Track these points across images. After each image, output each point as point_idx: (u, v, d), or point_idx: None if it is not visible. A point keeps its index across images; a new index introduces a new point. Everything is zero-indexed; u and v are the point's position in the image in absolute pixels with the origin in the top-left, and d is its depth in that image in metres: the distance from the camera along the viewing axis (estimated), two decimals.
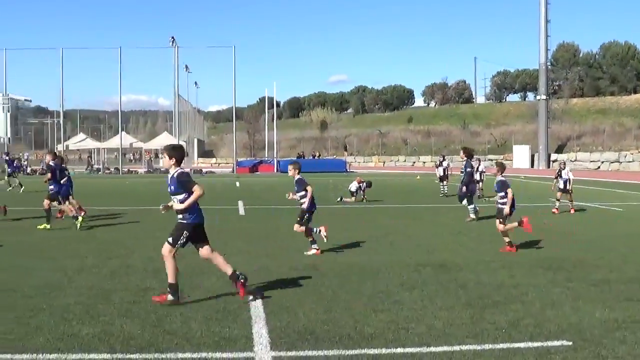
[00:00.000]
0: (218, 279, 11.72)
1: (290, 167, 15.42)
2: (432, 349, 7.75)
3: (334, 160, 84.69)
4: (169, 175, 10.22)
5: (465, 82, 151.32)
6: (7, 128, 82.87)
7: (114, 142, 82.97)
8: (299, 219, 15.08)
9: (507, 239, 15.51)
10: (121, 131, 78.79)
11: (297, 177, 15.17)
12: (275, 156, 77.87)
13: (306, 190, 14.98)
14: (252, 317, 9.13)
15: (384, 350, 7.67)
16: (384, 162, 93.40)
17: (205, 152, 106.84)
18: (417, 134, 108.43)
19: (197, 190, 9.96)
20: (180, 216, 10.16)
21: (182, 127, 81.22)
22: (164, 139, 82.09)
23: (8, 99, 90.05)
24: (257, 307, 9.70)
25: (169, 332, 8.37)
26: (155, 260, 13.77)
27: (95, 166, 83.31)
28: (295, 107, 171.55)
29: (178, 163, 10.21)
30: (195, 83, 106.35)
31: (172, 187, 10.11)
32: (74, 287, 11.11)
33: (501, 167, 16.12)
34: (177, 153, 10.24)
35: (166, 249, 10.14)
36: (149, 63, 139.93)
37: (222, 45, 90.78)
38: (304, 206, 15.01)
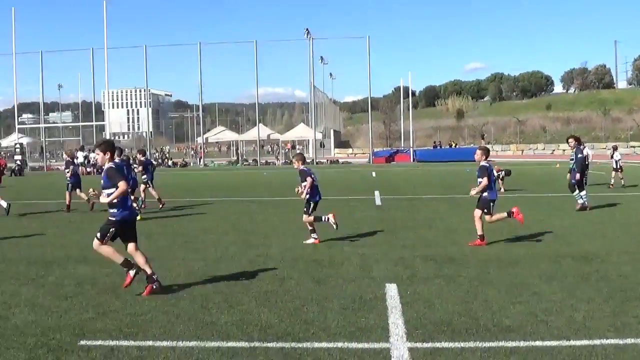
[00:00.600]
0: (355, 269, 11.74)
1: (294, 159, 15.93)
2: (572, 342, 7.49)
3: (470, 149, 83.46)
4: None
5: (605, 67, 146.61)
6: (149, 122, 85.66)
7: (251, 134, 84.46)
8: (305, 209, 15.24)
9: (479, 232, 14.61)
10: (258, 123, 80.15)
11: (300, 168, 15.37)
12: (411, 146, 77.53)
13: (306, 181, 15.09)
14: (388, 308, 9.07)
15: (522, 343, 7.48)
16: (522, 151, 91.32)
17: (342, 143, 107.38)
18: (556, 121, 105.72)
19: (121, 186, 10.07)
20: (110, 211, 10.32)
21: (318, 119, 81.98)
22: (301, 131, 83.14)
23: (150, 94, 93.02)
24: (393, 297, 9.64)
25: (306, 321, 8.42)
26: (293, 249, 13.96)
27: (233, 158, 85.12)
28: (431, 96, 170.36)
29: (112, 157, 10.45)
30: (331, 74, 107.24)
31: (103, 181, 10.32)
32: (214, 276, 11.35)
33: (485, 152, 15.10)
34: (110, 147, 10.52)
35: (95, 243, 10.33)
36: (284, 55, 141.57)
37: (357, 36, 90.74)
38: (307, 196, 15.14)
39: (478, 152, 15.12)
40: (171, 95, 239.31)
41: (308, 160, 74.11)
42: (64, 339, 7.82)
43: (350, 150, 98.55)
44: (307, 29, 73.19)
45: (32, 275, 11.84)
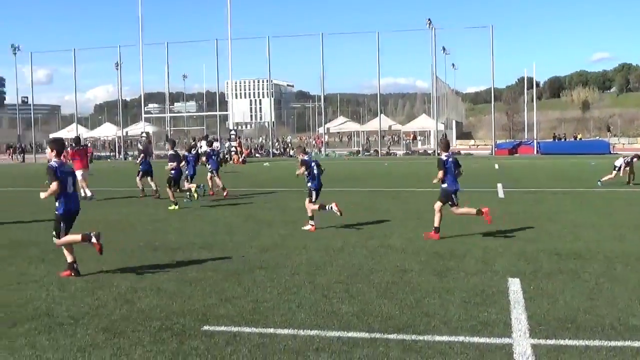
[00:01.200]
0: (477, 262, 11.61)
1: (295, 151, 17.21)
2: None
3: (595, 141, 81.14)
4: None
5: None
6: (271, 112, 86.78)
7: (372, 124, 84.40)
8: (309, 197, 16.41)
9: (436, 224, 14.52)
10: (380, 114, 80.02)
11: (302, 158, 16.73)
12: (535, 137, 75.86)
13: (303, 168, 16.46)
14: (511, 303, 8.93)
15: None
16: None
17: (464, 134, 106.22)
18: None
19: (52, 187, 10.85)
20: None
21: (440, 109, 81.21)
22: (423, 121, 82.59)
23: (272, 84, 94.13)
24: (516, 292, 9.48)
25: (427, 314, 8.38)
26: (414, 241, 13.89)
27: (354, 148, 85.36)
28: (556, 87, 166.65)
29: (58, 155, 11.18)
30: (453, 65, 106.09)
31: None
32: (335, 266, 11.43)
33: (444, 145, 15.54)
34: (57, 145, 11.29)
35: (55, 242, 11.15)
36: (406, 46, 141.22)
37: (480, 26, 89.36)
38: (308, 183, 16.53)
39: (441, 145, 15.98)
40: (293, 86, 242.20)
41: (430, 152, 73.67)
42: (187, 324, 8.03)
43: (472, 142, 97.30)
44: (429, 19, 72.55)
45: (157, 260, 12.19)
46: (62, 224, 11.08)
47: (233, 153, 63.09)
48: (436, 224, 14.56)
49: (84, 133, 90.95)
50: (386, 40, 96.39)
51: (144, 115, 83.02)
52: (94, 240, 10.99)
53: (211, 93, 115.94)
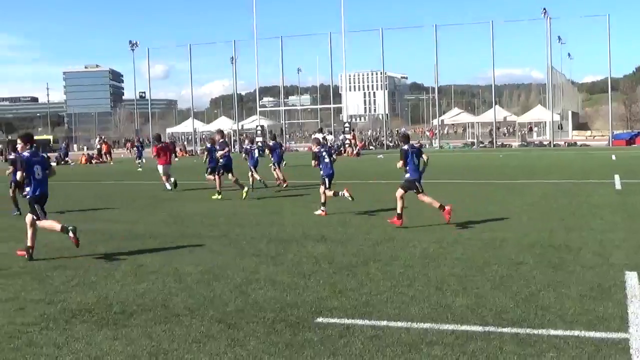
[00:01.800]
0: (593, 255, 11.30)
1: (312, 142, 19.47)
2: None
3: None
4: None
5: None
6: (385, 105, 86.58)
7: (487, 116, 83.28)
8: (322, 185, 17.88)
9: (399, 210, 15.21)
10: (495, 105, 78.87)
11: (314, 149, 18.58)
12: None
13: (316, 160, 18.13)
14: (628, 297, 8.64)
15: None
16: None
17: (580, 125, 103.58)
18: None
19: (17, 175, 12.79)
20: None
21: (556, 100, 79.45)
22: (538, 112, 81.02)
23: (386, 77, 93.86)
24: (633, 286, 9.17)
25: (542, 307, 8.20)
26: (529, 234, 13.63)
27: (469, 140, 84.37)
28: None
29: (24, 147, 12.79)
30: (569, 54, 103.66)
31: None
32: (449, 259, 11.32)
33: (404, 138, 16.69)
34: (23, 138, 13.06)
35: (38, 224, 12.50)
36: (521, 36, 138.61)
37: (596, 14, 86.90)
38: (321, 172, 18.01)
39: (401, 137, 17.77)
40: (407, 78, 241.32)
41: (545, 143, 72.15)
42: (301, 316, 8.09)
43: (588, 133, 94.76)
44: (544, 9, 71.01)
45: (271, 253, 12.34)
46: (35, 206, 12.47)
47: (347, 146, 63.32)
48: (399, 211, 15.21)
49: (200, 127, 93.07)
50: (500, 31, 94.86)
51: (259, 109, 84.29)
52: (70, 234, 12.17)
53: (325, 86, 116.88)
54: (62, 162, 61.87)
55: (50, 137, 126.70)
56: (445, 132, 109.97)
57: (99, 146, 57.03)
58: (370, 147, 78.29)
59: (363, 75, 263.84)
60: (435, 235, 13.82)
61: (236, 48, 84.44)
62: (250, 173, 26.39)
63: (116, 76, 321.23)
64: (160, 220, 17.33)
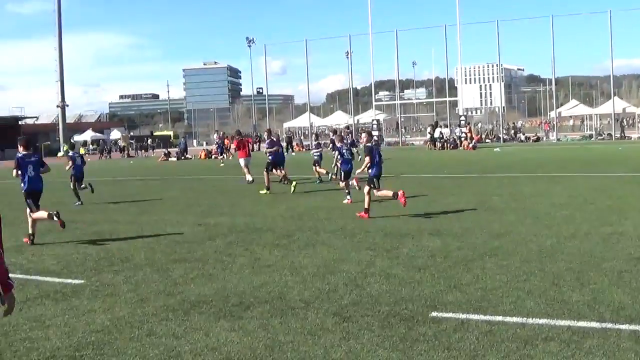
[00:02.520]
0: None
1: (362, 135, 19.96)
2: None
3: None
4: None
5: None
6: (501, 97, 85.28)
7: (606, 107, 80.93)
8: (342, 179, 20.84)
9: (366, 205, 16.41)
10: (613, 96, 76.56)
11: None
12: None
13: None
14: None
15: None
16: None
17: None
18: None
19: (13, 173, 14.98)
20: None
21: None
22: None
23: (502, 69, 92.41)
24: None
25: None
26: None
27: (588, 132, 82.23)
28: None
29: (24, 148, 15.06)
30: None
31: None
32: (566, 253, 11.11)
33: (368, 135, 18.71)
34: (22, 142, 15.31)
35: (32, 215, 14.48)
36: None
37: None
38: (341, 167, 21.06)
39: (362, 135, 19.17)
40: (523, 70, 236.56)
41: None
42: (416, 310, 8.10)
43: None
44: None
45: (387, 246, 12.37)
46: (29, 200, 14.71)
47: (463, 139, 62.73)
48: (366, 206, 16.44)
49: (316, 121, 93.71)
50: (619, 20, 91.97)
51: (374, 103, 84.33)
52: (55, 218, 14.24)
53: (440, 79, 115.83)
54: (182, 157, 63.48)
55: (171, 133, 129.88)
56: (563, 124, 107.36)
57: (218, 141, 58.23)
58: (487, 140, 77.20)
59: (479, 67, 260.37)
60: (553, 230, 13.57)
61: (351, 42, 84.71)
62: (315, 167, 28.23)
63: (234, 72, 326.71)
64: (277, 214, 17.58)
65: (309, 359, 6.58)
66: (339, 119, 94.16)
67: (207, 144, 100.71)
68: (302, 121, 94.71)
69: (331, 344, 6.92)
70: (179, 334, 7.49)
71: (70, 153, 23.58)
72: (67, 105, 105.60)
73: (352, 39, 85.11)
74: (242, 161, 29.15)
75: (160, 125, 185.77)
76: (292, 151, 65.05)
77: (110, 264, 11.83)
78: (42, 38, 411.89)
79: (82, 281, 10.53)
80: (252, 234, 14.39)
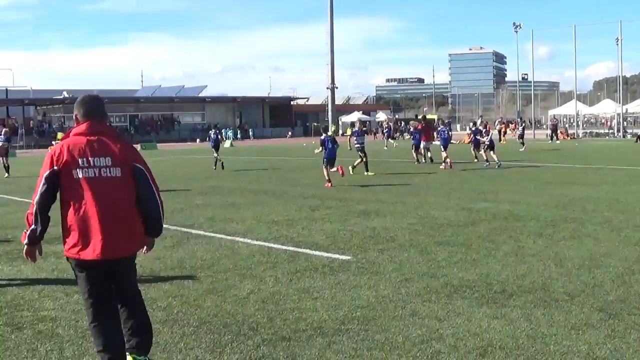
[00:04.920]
0: None
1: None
2: None
3: None
4: None
5: None
6: None
7: None
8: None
9: (326, 176, 23.25)
10: None
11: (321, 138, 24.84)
12: None
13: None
14: None
15: None
16: None
17: None
18: None
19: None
20: None
21: None
22: None
23: None
24: None
25: None
26: None
27: None
28: None
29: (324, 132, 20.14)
30: None
31: None
32: None
33: (324, 129, 25.77)
34: (323, 128, 21.26)
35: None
36: None
37: None
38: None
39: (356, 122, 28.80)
40: None
41: None
42: None
43: None
44: None
45: None
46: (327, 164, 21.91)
47: None
48: (326, 177, 23.22)
49: (583, 109, 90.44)
50: None
51: None
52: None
53: None
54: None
55: (435, 117, 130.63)
56: None
57: (498, 127, 58.39)
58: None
59: None
60: None
61: (622, 28, 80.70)
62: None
63: (499, 58, 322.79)
64: (542, 202, 17.25)
65: (572, 354, 6.44)
66: (607, 108, 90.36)
67: (469, 128, 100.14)
68: (568, 109, 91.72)
69: (595, 341, 6.74)
70: (442, 317, 7.61)
71: (323, 136, 24.33)
72: (337, 88, 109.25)
73: (623, 25, 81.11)
74: (422, 144, 33.97)
75: (424, 109, 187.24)
76: (557, 139, 63.34)
77: (375, 242, 12.21)
78: (316, 22, 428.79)
79: (349, 257, 10.96)
80: (515, 222, 14.23)
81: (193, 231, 14.07)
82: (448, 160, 30.56)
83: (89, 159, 5.71)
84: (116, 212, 5.70)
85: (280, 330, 7.29)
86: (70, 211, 5.69)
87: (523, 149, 45.90)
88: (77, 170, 5.68)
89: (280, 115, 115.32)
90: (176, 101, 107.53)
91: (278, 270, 10.15)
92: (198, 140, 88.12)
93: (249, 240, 12.80)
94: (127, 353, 5.97)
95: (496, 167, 29.66)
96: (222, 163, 32.85)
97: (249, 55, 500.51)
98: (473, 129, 33.96)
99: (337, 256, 11.08)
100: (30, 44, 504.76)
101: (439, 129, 38.72)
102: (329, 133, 24.44)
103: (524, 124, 56.12)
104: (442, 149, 31.91)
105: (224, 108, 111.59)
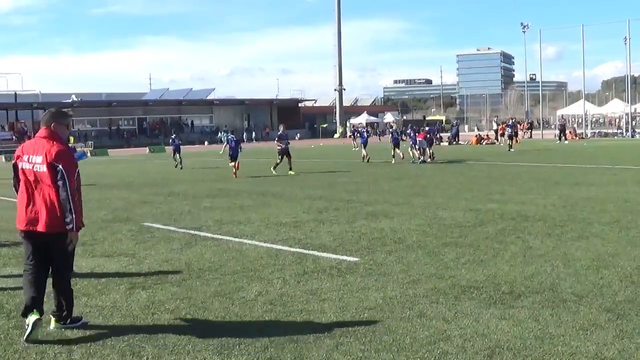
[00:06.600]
0: None
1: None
2: None
3: None
4: None
5: None
6: None
7: None
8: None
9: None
10: None
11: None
12: None
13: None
14: None
15: None
16: None
17: None
18: None
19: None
20: None
21: None
22: None
23: None
24: None
25: None
26: None
27: None
28: None
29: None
30: None
31: None
32: None
33: (231, 132, 33.60)
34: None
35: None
36: None
37: None
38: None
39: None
40: None
41: None
42: None
43: None
44: None
45: None
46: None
47: None
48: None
49: (591, 109, 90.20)
50: None
51: None
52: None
53: None
54: (453, 142, 64.22)
55: (443, 118, 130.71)
56: None
57: (496, 127, 58.21)
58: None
59: None
60: None
61: (630, 28, 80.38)
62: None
63: (507, 58, 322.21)
64: (549, 203, 17.21)
65: (580, 355, 6.42)
66: (616, 107, 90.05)
67: (478, 129, 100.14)
68: (576, 109, 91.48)
69: (604, 341, 6.72)
70: (449, 318, 7.61)
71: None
72: (344, 89, 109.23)
73: (631, 24, 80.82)
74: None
75: (432, 110, 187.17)
76: (565, 139, 63.21)
77: (383, 244, 12.20)
78: (323, 24, 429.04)
79: (357, 259, 10.97)
80: (523, 222, 14.20)
81: (201, 233, 14.11)
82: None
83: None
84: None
85: (288, 332, 7.28)
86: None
87: (513, 150, 45.61)
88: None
89: (288, 117, 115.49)
90: (184, 104, 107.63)
91: (286, 272, 10.16)
92: (206, 142, 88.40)
93: (256, 242, 12.82)
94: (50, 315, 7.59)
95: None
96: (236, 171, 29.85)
97: (256, 57, 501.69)
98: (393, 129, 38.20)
99: (344, 258, 11.08)
100: (39, 48, 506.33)
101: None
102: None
103: (514, 123, 55.52)
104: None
105: (232, 111, 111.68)
